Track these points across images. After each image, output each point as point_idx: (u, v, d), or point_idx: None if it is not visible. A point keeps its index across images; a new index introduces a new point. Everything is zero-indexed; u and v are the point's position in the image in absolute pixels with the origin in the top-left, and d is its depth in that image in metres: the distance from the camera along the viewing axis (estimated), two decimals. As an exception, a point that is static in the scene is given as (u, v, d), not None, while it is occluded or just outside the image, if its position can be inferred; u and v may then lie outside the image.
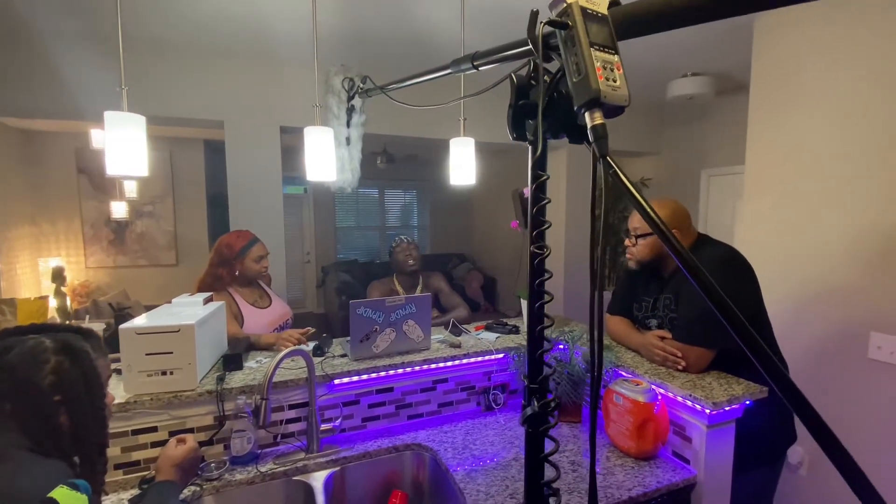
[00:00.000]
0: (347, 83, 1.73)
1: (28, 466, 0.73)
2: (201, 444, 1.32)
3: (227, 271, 1.93)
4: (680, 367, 1.43)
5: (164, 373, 1.31)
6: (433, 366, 1.61)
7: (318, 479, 1.33)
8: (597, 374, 0.56)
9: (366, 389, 1.55)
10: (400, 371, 1.56)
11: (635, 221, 1.60)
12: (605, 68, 0.50)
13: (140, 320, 1.36)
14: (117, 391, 1.28)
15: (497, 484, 1.26)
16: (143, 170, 1.28)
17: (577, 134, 0.60)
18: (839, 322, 1.99)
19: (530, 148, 0.61)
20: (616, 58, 0.51)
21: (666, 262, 1.58)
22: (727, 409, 1.28)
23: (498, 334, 1.85)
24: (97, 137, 3.67)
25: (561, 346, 1.65)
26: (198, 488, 1.24)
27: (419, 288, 2.54)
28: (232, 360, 1.50)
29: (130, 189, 4.79)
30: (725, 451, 1.34)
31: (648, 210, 0.48)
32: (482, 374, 1.71)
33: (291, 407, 1.46)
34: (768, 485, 1.53)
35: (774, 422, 1.47)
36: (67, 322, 3.63)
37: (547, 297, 0.63)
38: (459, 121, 1.71)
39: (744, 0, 0.52)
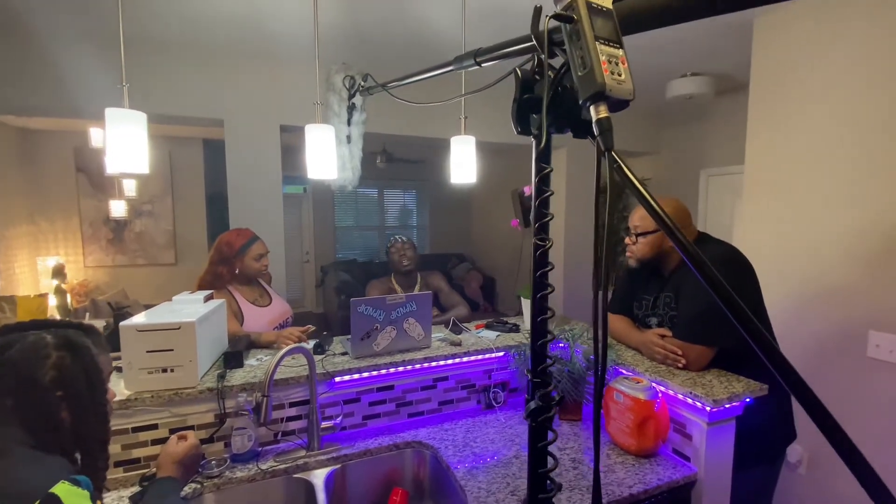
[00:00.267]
0: (348, 81, 1.73)
1: (29, 462, 0.73)
2: (202, 441, 1.32)
3: (227, 269, 1.93)
4: (680, 365, 1.44)
5: (164, 370, 1.30)
6: (434, 364, 1.61)
7: (318, 477, 1.33)
8: (601, 373, 0.55)
9: (366, 387, 1.55)
10: (401, 369, 1.56)
11: (636, 220, 1.60)
12: (610, 62, 0.50)
13: (141, 317, 1.35)
14: (117, 389, 1.27)
15: (498, 481, 1.27)
16: (143, 167, 1.28)
17: (581, 128, 0.60)
18: (838, 321, 1.99)
19: (534, 141, 0.61)
20: (621, 52, 0.52)
21: (666, 261, 1.58)
22: (727, 406, 1.28)
23: (498, 333, 1.85)
24: (96, 136, 3.66)
25: (561, 345, 1.65)
26: (198, 486, 1.24)
27: (417, 287, 2.54)
28: (233, 358, 1.50)
29: (129, 188, 4.78)
30: (726, 448, 1.34)
31: (653, 204, 0.48)
32: (483, 373, 1.71)
33: (292, 405, 1.46)
34: (768, 482, 1.54)
35: (774, 419, 1.48)
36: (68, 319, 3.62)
37: (549, 289, 0.63)
38: (460, 119, 1.71)
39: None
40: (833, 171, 1.99)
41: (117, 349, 1.27)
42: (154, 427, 1.31)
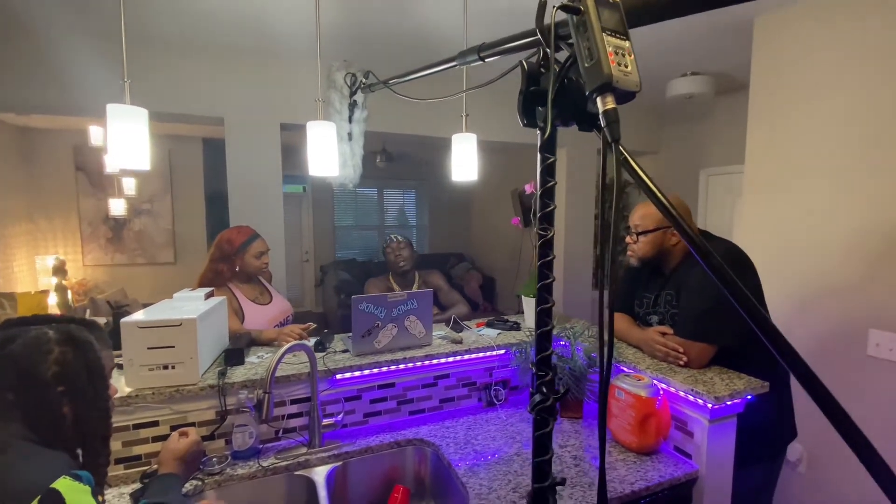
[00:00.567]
0: (350, 78, 1.73)
1: (31, 457, 0.73)
2: (203, 438, 1.32)
3: (228, 267, 1.92)
4: (681, 363, 1.44)
5: (165, 367, 1.30)
6: (434, 361, 1.61)
7: (319, 474, 1.33)
8: (605, 373, 0.55)
9: (367, 385, 1.55)
10: (401, 366, 1.56)
11: (636, 218, 1.60)
12: (616, 53, 0.50)
13: (142, 314, 1.35)
14: (118, 385, 1.27)
15: (500, 479, 1.26)
16: (145, 163, 1.28)
17: (586, 121, 0.60)
18: (838, 319, 2.00)
19: (539, 133, 0.61)
20: (627, 43, 0.51)
21: (667, 259, 1.58)
22: (729, 403, 1.28)
23: (499, 331, 1.85)
24: (95, 134, 3.65)
25: (562, 343, 1.65)
26: (199, 483, 1.24)
27: (415, 286, 2.54)
28: (233, 355, 1.49)
29: (129, 187, 4.76)
30: (727, 445, 1.34)
31: (660, 196, 0.48)
32: (483, 370, 1.71)
33: (293, 402, 1.46)
34: (769, 480, 1.54)
35: (775, 417, 1.48)
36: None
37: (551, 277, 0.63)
38: (461, 117, 1.71)
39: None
40: (833, 170, 1.99)
41: (117, 348, 1.27)
42: (155, 424, 1.31)
